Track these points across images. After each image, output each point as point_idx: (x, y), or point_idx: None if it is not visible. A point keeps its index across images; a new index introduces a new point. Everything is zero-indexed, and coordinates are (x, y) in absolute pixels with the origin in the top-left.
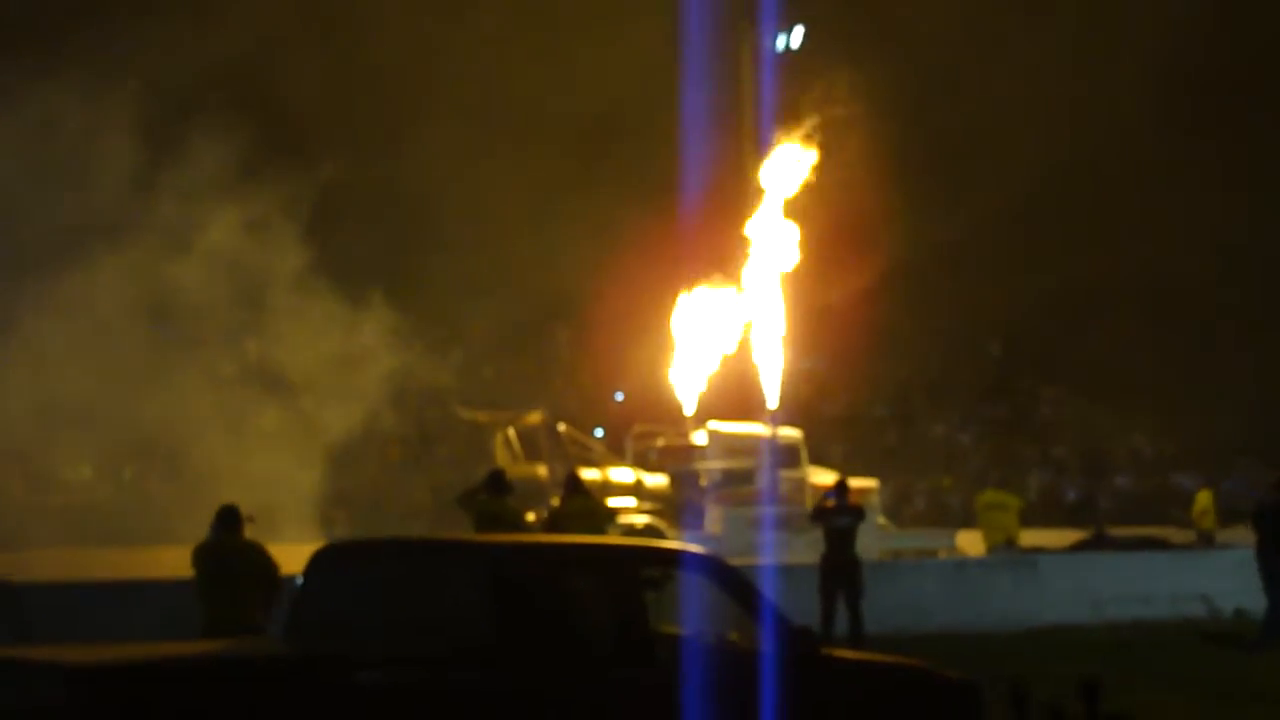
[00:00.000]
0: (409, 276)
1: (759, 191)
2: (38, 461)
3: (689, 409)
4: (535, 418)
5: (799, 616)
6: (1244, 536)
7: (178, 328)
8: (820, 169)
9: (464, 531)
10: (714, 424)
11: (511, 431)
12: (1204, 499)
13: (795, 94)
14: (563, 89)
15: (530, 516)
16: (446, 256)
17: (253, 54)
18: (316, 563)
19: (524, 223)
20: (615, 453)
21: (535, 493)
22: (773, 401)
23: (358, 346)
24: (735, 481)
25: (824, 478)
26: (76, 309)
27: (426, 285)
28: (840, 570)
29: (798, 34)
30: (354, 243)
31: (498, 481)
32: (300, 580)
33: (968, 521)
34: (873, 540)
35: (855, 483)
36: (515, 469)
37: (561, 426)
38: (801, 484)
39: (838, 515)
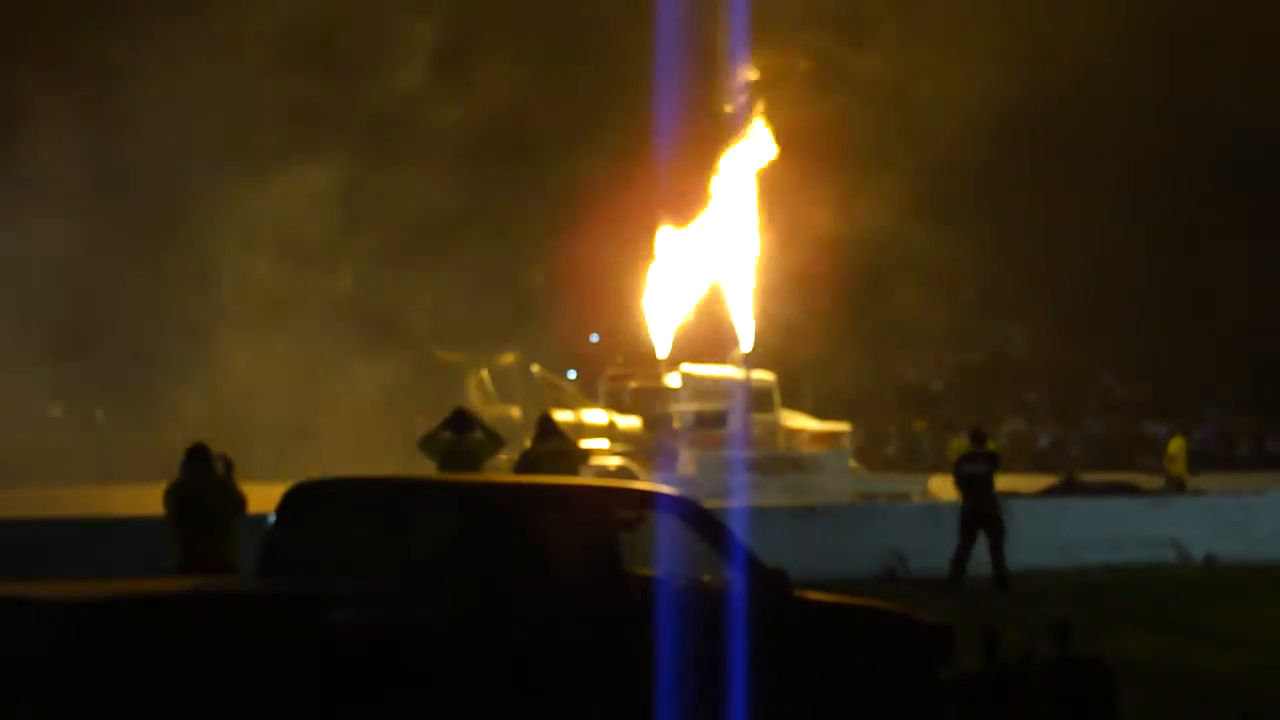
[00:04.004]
0: (383, 216)
1: (731, 122)
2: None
3: (663, 352)
4: (509, 359)
5: (771, 559)
6: (1214, 483)
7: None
8: (796, 100)
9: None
10: (687, 367)
11: (485, 373)
12: (1174, 445)
13: (771, 20)
14: (536, 27)
15: (503, 457)
16: (422, 194)
17: None
18: (288, 501)
19: (498, 162)
20: (588, 394)
21: (508, 434)
22: (746, 345)
23: (334, 285)
24: (708, 424)
25: (797, 421)
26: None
27: (402, 225)
28: (976, 515)
29: None
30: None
31: (461, 419)
32: (272, 518)
33: (940, 466)
34: (845, 483)
35: (828, 426)
36: (489, 410)
37: (535, 368)
38: (774, 427)
39: (970, 462)
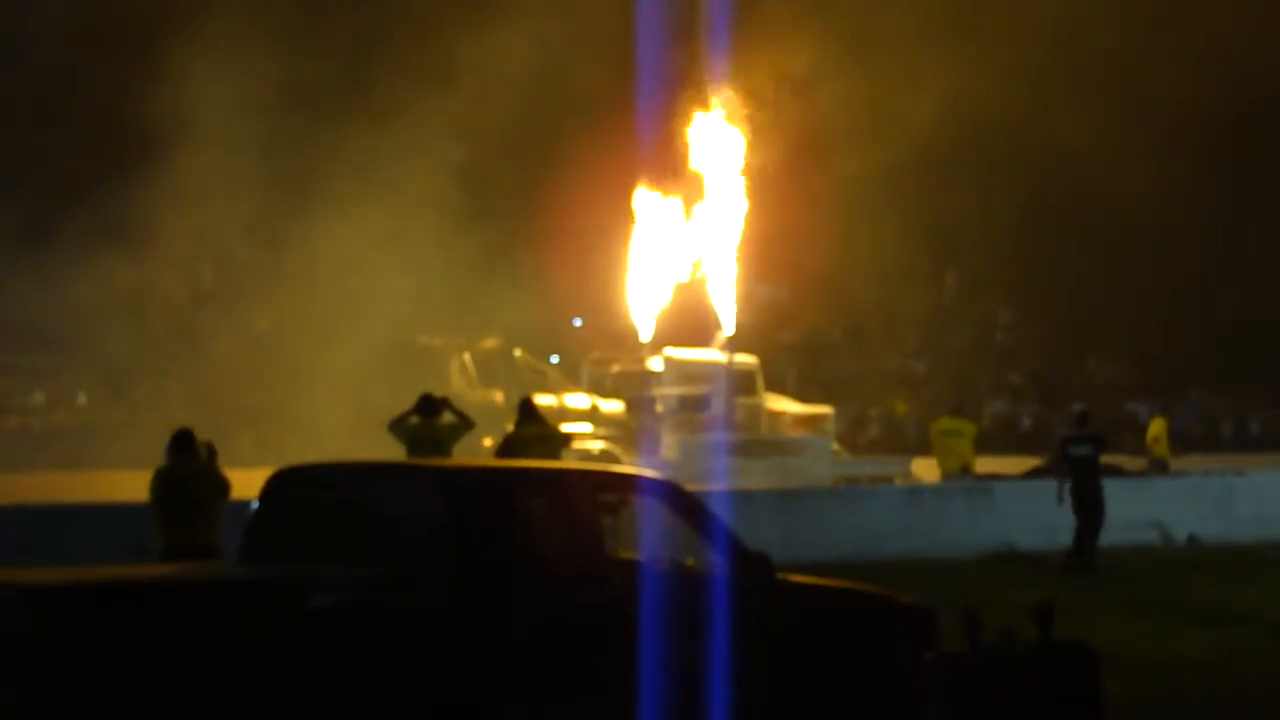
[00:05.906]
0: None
1: (708, 99)
2: None
3: (645, 335)
4: (491, 343)
5: (754, 542)
6: (1197, 464)
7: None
8: (774, 78)
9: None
10: (670, 350)
11: (467, 357)
12: (1157, 426)
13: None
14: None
15: (486, 442)
16: (398, 178)
17: None
18: (271, 486)
19: (480, 145)
20: (571, 378)
21: (491, 419)
22: (729, 328)
23: (315, 270)
24: (691, 408)
25: (779, 404)
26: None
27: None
28: (1083, 496)
29: None
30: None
31: (428, 403)
32: (255, 504)
33: (923, 448)
34: (827, 466)
35: (810, 409)
36: (471, 394)
37: (517, 352)
38: (757, 410)
39: (1077, 444)
